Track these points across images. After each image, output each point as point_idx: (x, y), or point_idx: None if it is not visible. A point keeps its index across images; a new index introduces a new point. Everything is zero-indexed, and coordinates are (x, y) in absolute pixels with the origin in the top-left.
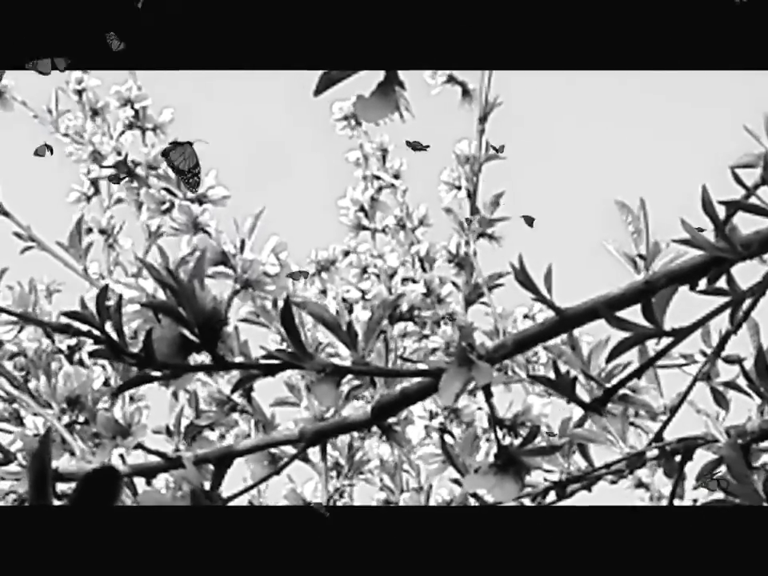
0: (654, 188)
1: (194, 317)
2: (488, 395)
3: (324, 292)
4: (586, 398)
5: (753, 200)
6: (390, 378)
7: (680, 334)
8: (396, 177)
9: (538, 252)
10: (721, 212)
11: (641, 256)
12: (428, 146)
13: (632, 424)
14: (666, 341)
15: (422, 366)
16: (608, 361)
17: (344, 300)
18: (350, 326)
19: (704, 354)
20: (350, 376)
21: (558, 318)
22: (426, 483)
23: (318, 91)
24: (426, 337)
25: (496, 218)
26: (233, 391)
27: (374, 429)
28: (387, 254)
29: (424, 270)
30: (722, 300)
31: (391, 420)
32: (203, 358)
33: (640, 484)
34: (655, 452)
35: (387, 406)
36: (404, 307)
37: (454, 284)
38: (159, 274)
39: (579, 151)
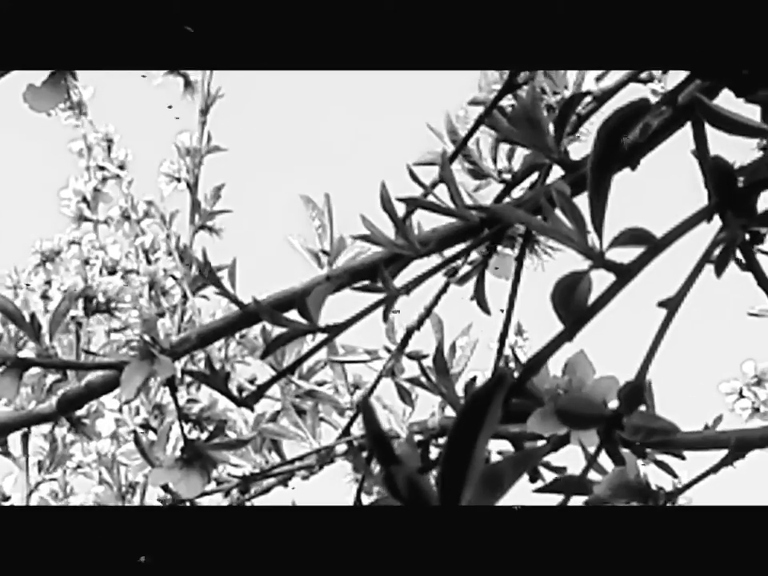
0: (345, 184)
1: None
2: (172, 389)
3: (49, 283)
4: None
5: (431, 198)
6: (81, 371)
7: (334, 330)
8: (121, 168)
9: (259, 247)
10: (401, 209)
11: (324, 251)
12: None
13: (322, 419)
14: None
15: (107, 359)
16: (262, 357)
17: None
18: (33, 317)
19: (388, 350)
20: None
21: (241, 313)
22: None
23: None
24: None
25: (216, 211)
26: None
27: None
28: (109, 245)
29: (149, 262)
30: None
31: (80, 413)
32: None
33: None
34: (344, 447)
35: (73, 398)
36: (101, 298)
37: (173, 277)
38: None
39: (295, 145)
